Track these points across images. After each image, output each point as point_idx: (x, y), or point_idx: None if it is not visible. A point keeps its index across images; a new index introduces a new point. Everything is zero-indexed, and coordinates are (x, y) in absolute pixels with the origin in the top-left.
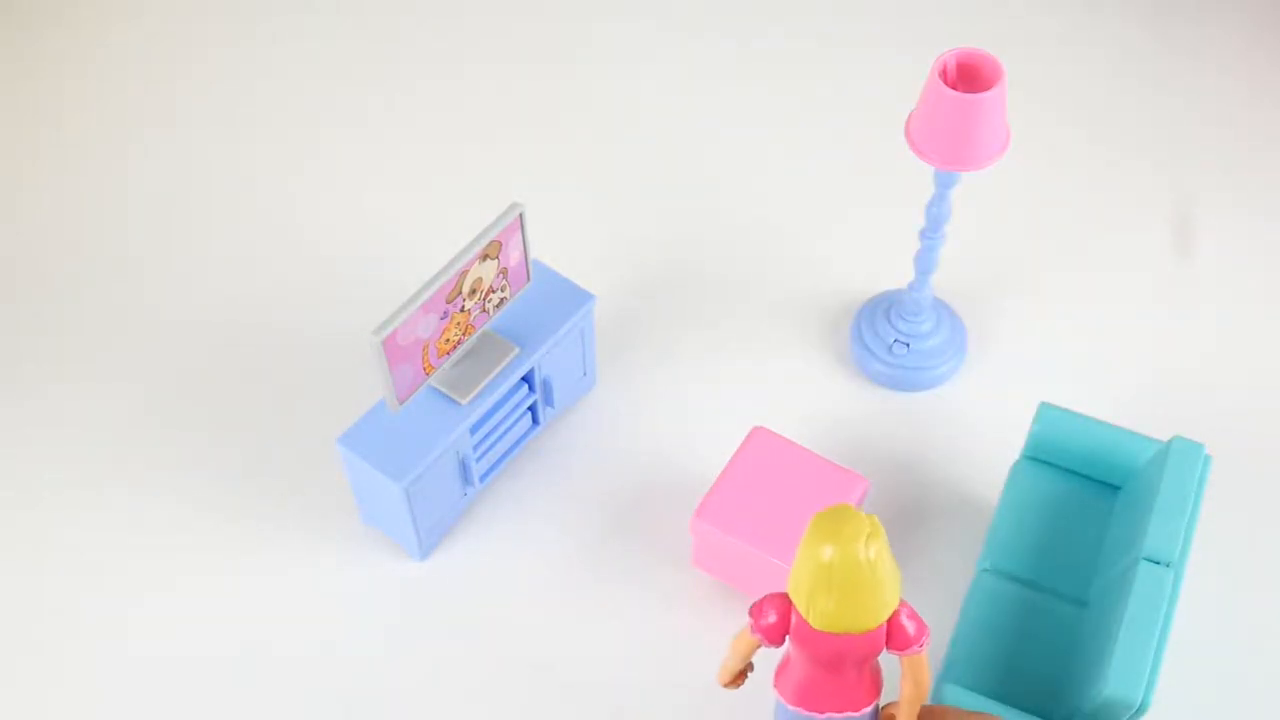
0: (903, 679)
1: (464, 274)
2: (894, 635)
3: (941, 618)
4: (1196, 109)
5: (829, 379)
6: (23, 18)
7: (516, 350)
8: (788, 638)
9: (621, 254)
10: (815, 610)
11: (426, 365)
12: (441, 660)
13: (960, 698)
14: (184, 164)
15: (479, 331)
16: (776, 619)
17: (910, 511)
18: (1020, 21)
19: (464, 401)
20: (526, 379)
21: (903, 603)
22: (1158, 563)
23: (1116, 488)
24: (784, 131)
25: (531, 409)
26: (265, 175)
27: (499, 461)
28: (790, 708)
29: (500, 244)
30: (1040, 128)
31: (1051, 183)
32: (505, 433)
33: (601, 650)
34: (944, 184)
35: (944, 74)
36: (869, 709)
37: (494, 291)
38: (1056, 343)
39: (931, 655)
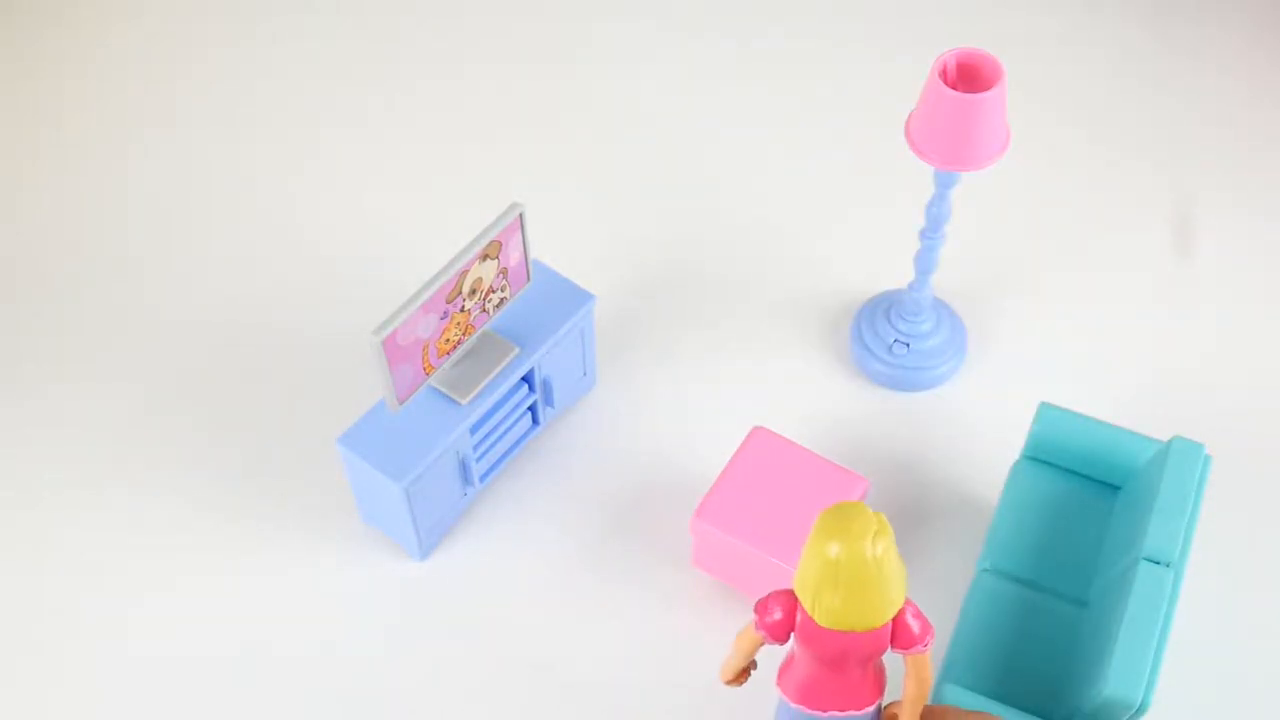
0: (906, 678)
1: (464, 274)
2: (899, 634)
3: (942, 618)
4: (1196, 109)
5: (829, 379)
6: (23, 18)
7: (516, 350)
8: (792, 635)
9: (621, 254)
10: (821, 607)
11: (426, 365)
12: (441, 660)
13: (960, 698)
14: (184, 164)
15: (479, 331)
16: (782, 615)
17: (910, 511)
18: (1020, 21)
19: (464, 401)
20: (526, 379)
21: (908, 601)
22: (1158, 563)
23: (1116, 488)
24: (784, 131)
25: (531, 409)
26: (265, 175)
27: (499, 461)
28: (793, 706)
29: (500, 244)
30: (1040, 128)
31: (1051, 183)
32: (505, 433)
33: (601, 650)
34: (944, 184)
35: (944, 74)
36: (871, 708)
37: (494, 291)
38: (1056, 343)
39: (932, 655)
